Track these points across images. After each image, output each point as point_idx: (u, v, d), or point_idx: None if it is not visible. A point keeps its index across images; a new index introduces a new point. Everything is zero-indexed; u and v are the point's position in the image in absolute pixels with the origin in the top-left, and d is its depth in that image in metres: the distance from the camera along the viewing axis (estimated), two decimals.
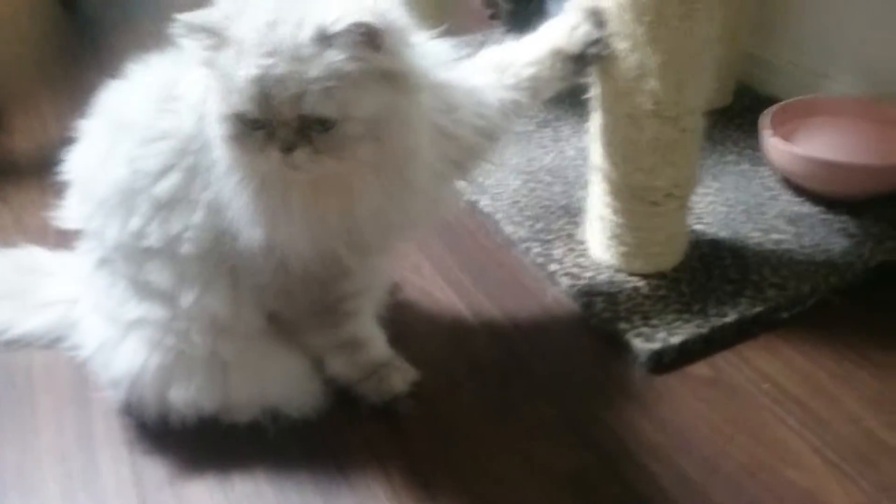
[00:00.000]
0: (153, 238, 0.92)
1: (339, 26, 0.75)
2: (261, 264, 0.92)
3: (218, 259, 0.92)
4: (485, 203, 1.43)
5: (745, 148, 1.54)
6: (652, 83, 1.07)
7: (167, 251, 0.92)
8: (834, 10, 1.57)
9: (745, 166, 1.49)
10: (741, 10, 1.59)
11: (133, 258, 0.94)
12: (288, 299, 0.97)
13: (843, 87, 1.58)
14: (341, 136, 0.80)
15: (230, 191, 0.87)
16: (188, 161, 0.90)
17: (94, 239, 0.99)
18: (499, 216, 1.39)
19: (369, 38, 0.77)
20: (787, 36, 1.69)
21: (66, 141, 1.01)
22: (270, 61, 0.76)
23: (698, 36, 1.06)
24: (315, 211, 0.87)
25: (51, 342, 1.18)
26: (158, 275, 0.94)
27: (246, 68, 0.77)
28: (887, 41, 1.50)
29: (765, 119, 1.44)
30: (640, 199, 1.17)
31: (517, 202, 1.43)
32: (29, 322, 1.19)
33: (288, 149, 0.79)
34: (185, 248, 0.91)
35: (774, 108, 1.47)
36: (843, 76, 1.59)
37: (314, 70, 0.76)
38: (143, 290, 0.95)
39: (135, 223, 0.92)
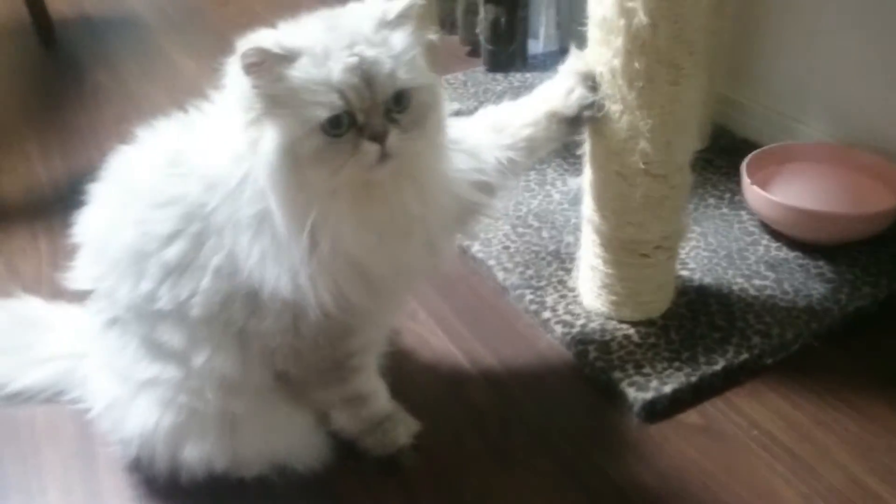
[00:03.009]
0: (164, 301, 0.94)
1: (396, 8, 0.85)
2: (271, 326, 0.94)
3: (226, 322, 0.94)
4: (476, 249, 1.46)
5: (725, 191, 1.60)
6: (643, 144, 1.11)
7: (177, 313, 0.94)
8: (806, 56, 1.64)
9: (725, 210, 1.54)
10: (715, 53, 1.65)
11: (145, 319, 0.96)
12: (296, 359, 0.99)
13: (817, 133, 1.65)
14: (418, 106, 0.86)
15: (280, 234, 0.87)
16: (195, 227, 0.91)
17: (105, 299, 1.01)
18: (490, 262, 1.43)
19: (415, 15, 0.86)
20: (761, 80, 1.75)
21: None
22: (359, 48, 0.82)
23: (686, 100, 1.11)
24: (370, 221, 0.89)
25: (53, 396, 1.19)
26: (170, 336, 0.95)
27: (338, 62, 0.81)
28: (858, 89, 1.56)
29: (744, 165, 1.49)
30: (630, 251, 1.22)
31: (507, 248, 1.47)
32: (30, 376, 1.20)
33: (382, 136, 0.83)
34: (194, 312, 0.93)
35: (753, 153, 1.53)
36: (817, 122, 1.65)
37: (396, 46, 0.84)
38: (156, 349, 0.97)
39: (145, 285, 0.94)
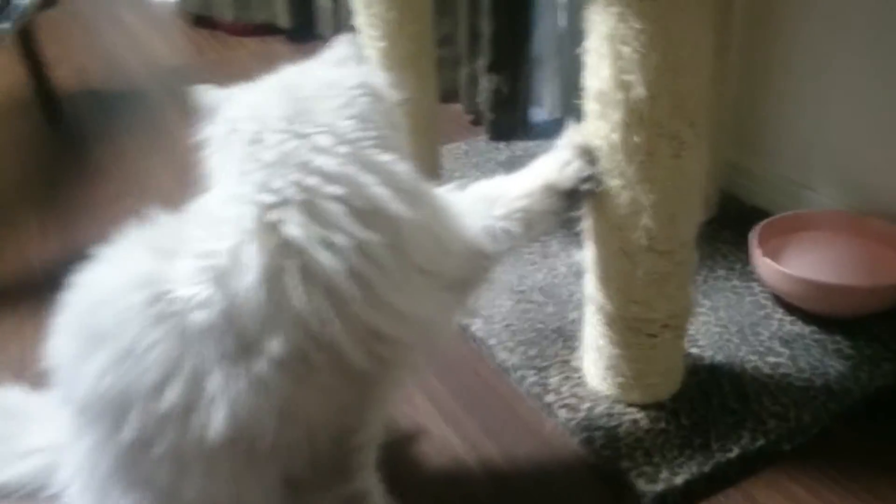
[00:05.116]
0: (162, 447, 0.83)
1: None
2: (317, 414, 0.87)
3: (247, 447, 0.84)
4: (477, 327, 1.41)
5: (735, 262, 1.54)
6: (645, 219, 1.07)
7: (172, 451, 0.84)
8: (816, 122, 1.60)
9: (736, 282, 1.48)
10: (720, 120, 1.61)
11: (123, 456, 0.86)
12: (312, 460, 0.91)
13: (827, 200, 1.60)
14: None
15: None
16: (190, 364, 0.81)
17: (78, 421, 0.91)
18: (492, 342, 1.37)
19: None
20: (769, 147, 1.71)
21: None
22: None
23: (689, 172, 1.06)
24: None
25: (32, 492, 1.13)
26: (155, 471, 0.86)
27: None
28: (870, 154, 1.52)
29: (753, 236, 1.44)
30: (636, 331, 1.16)
31: (510, 325, 1.41)
32: (8, 471, 1.14)
33: None
34: (202, 445, 0.83)
35: (762, 223, 1.48)
36: (828, 189, 1.61)
37: None
38: (133, 478, 0.88)
39: (127, 433, 0.83)
